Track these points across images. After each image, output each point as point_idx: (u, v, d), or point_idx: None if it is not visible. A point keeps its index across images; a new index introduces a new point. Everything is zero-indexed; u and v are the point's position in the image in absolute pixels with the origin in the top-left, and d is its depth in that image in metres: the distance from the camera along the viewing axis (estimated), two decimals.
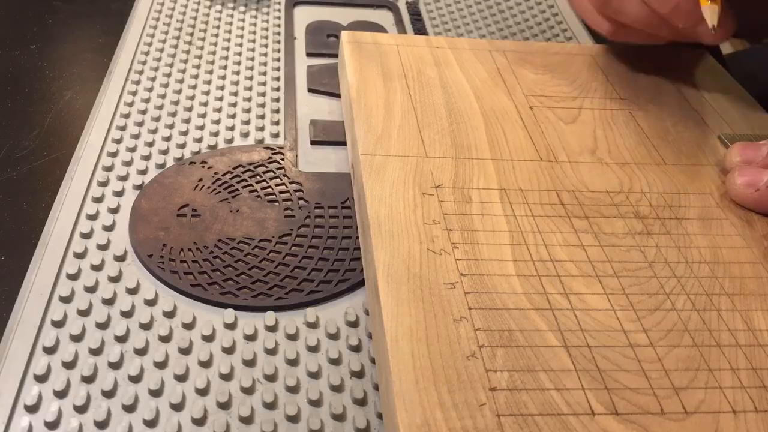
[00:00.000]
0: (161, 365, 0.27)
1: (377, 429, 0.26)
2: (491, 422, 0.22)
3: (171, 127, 0.39)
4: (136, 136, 0.38)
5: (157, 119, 0.40)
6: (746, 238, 0.31)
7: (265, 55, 0.46)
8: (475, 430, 0.22)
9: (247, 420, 0.26)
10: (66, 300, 0.29)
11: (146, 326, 0.28)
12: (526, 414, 0.23)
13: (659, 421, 0.23)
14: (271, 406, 0.26)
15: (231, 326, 0.29)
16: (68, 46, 0.49)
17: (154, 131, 0.39)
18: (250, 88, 0.43)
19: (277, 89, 0.43)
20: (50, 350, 0.27)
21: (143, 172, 0.36)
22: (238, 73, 0.44)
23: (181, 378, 0.27)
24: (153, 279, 0.31)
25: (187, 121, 0.40)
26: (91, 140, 0.38)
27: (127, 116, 0.40)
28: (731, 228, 0.31)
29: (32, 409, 0.25)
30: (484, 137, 0.35)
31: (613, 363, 0.25)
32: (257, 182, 0.36)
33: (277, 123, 0.40)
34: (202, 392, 0.26)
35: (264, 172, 0.37)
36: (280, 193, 0.35)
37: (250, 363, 0.28)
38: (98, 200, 0.34)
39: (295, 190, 0.36)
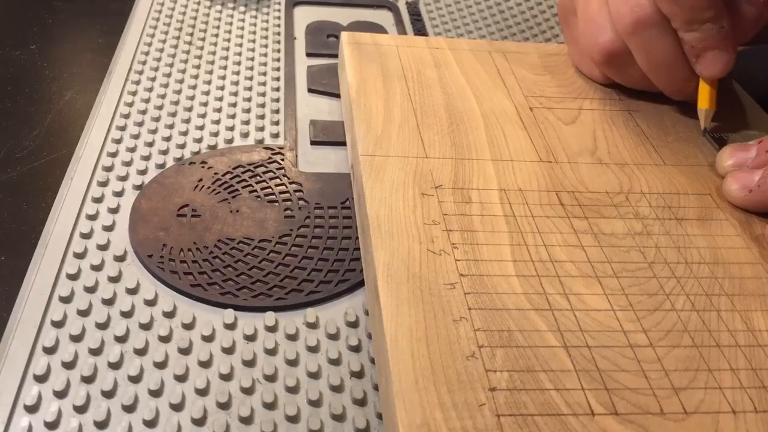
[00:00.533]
0: (161, 365, 0.27)
1: (377, 429, 0.26)
2: (491, 422, 0.22)
3: (171, 127, 0.39)
4: (136, 136, 0.38)
5: (157, 119, 0.40)
6: (746, 239, 0.31)
7: (265, 55, 0.46)
8: (474, 430, 0.22)
9: (246, 420, 0.26)
10: (66, 300, 0.29)
11: (146, 326, 0.28)
12: (526, 414, 0.23)
13: (659, 421, 0.23)
14: (270, 406, 0.26)
15: (231, 326, 0.29)
16: (68, 46, 0.49)
17: (154, 131, 0.39)
18: (250, 88, 0.43)
19: (277, 89, 0.43)
20: (50, 350, 0.27)
21: (143, 172, 0.36)
22: (238, 73, 0.44)
23: (181, 378, 0.27)
24: (153, 279, 0.31)
25: (187, 121, 0.40)
26: (91, 140, 0.38)
27: (127, 116, 0.40)
28: (731, 228, 0.31)
29: (32, 409, 0.25)
30: (484, 138, 0.35)
31: (613, 363, 0.25)
32: (257, 182, 0.36)
33: (277, 123, 0.40)
34: (202, 392, 0.26)
35: (264, 173, 0.37)
36: (280, 193, 0.35)
37: (249, 363, 0.28)
38: (98, 200, 0.34)
39: (295, 191, 0.36)
